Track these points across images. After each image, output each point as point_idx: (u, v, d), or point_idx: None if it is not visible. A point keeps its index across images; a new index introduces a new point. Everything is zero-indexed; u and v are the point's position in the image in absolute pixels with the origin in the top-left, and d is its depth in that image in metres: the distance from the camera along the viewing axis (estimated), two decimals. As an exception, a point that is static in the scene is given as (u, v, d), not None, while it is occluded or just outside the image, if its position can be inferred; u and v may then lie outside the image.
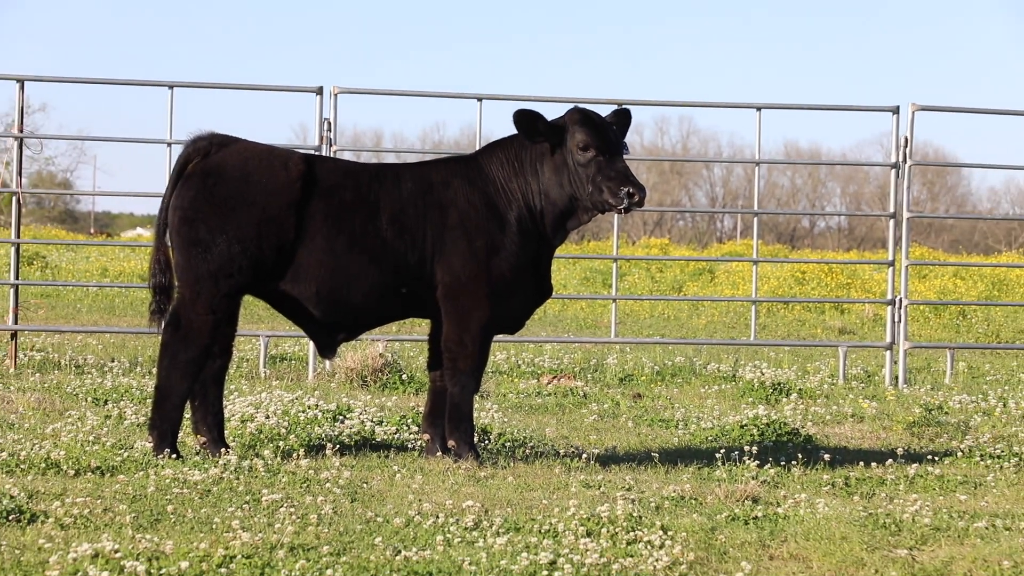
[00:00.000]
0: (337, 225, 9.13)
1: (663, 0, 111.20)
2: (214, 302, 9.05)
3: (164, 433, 9.09)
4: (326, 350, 9.45)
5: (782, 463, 9.55)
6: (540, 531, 7.20)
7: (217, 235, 9.02)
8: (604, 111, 9.52)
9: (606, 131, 9.27)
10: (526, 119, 9.27)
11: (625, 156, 9.38)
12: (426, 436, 9.45)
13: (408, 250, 9.19)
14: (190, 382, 9.11)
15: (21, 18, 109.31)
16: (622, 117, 9.52)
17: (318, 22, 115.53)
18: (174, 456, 9.00)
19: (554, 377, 14.28)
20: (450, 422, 9.29)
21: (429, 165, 9.51)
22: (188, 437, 9.42)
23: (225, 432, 9.41)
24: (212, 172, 9.10)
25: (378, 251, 9.15)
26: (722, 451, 9.87)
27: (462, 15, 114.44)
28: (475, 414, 10.47)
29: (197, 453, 9.22)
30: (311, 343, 14.12)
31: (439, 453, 9.33)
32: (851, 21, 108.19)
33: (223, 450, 9.17)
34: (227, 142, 9.26)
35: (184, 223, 9.07)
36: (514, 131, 9.39)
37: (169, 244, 9.20)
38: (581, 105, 9.49)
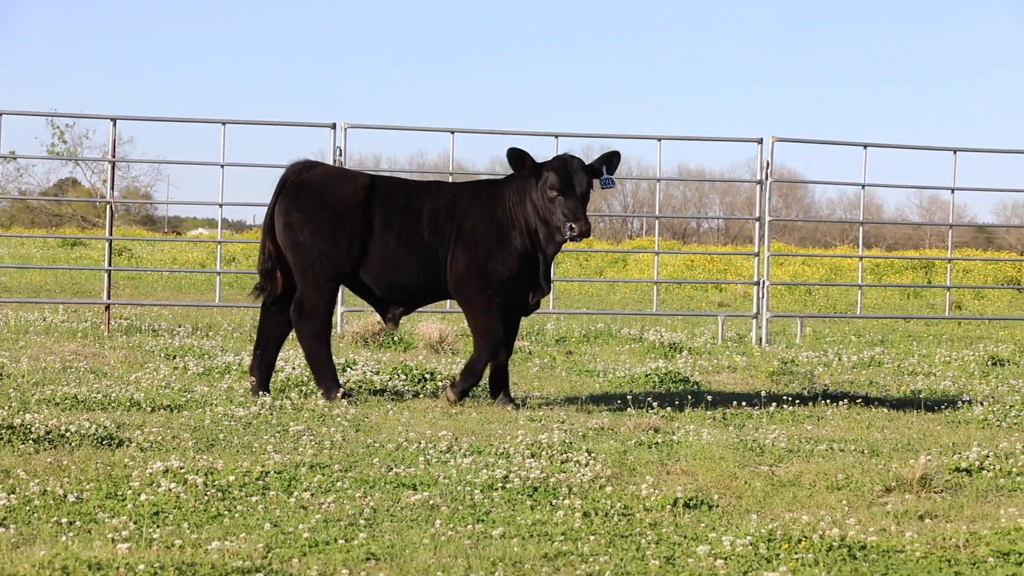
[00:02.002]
0: (390, 224, 9.04)
1: (591, 57, 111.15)
2: (320, 286, 9.01)
3: (330, 383, 9.03)
4: (389, 322, 9.32)
5: (676, 403, 9.54)
6: (496, 453, 7.16)
7: (307, 234, 8.99)
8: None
9: (571, 177, 8.92)
10: (514, 155, 8.99)
11: (608, 188, 9.23)
12: (497, 399, 9.14)
13: (439, 246, 9.05)
14: (326, 345, 9.02)
15: (115, 71, 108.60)
16: (611, 157, 9.16)
17: (327, 69, 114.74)
18: (344, 398, 8.91)
19: (508, 338, 14.22)
20: (463, 371, 9.06)
21: (462, 185, 9.35)
22: (243, 381, 9.34)
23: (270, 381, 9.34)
24: (302, 185, 9.09)
25: (419, 245, 9.07)
26: (631, 394, 9.86)
27: (441, 63, 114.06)
28: (447, 368, 10.43)
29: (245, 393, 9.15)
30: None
31: (509, 407, 8.99)
32: (729, 74, 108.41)
33: (262, 392, 9.11)
34: (313, 165, 9.29)
35: (287, 228, 9.04)
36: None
37: (268, 240, 9.16)
38: (570, 153, 9.08)
